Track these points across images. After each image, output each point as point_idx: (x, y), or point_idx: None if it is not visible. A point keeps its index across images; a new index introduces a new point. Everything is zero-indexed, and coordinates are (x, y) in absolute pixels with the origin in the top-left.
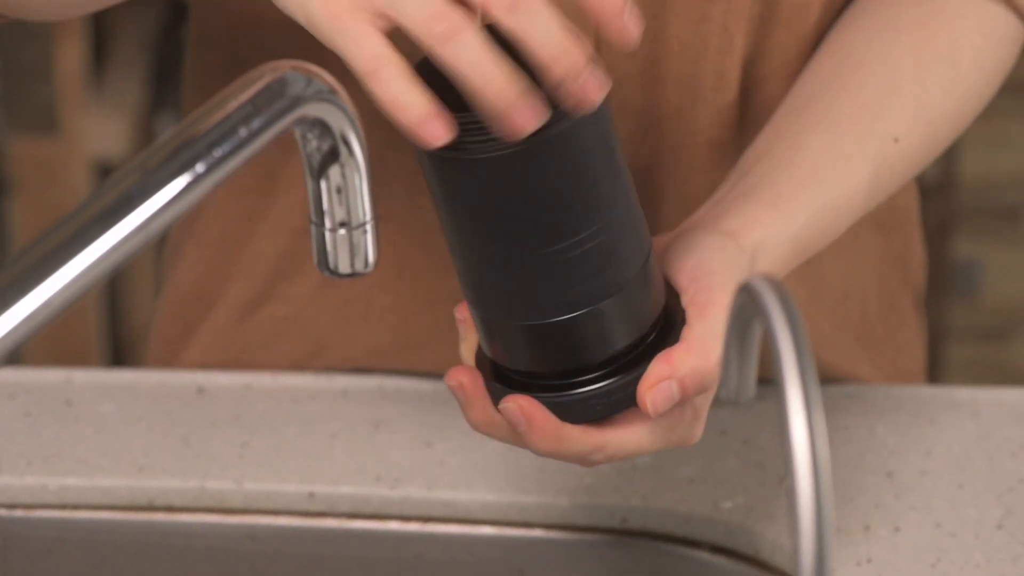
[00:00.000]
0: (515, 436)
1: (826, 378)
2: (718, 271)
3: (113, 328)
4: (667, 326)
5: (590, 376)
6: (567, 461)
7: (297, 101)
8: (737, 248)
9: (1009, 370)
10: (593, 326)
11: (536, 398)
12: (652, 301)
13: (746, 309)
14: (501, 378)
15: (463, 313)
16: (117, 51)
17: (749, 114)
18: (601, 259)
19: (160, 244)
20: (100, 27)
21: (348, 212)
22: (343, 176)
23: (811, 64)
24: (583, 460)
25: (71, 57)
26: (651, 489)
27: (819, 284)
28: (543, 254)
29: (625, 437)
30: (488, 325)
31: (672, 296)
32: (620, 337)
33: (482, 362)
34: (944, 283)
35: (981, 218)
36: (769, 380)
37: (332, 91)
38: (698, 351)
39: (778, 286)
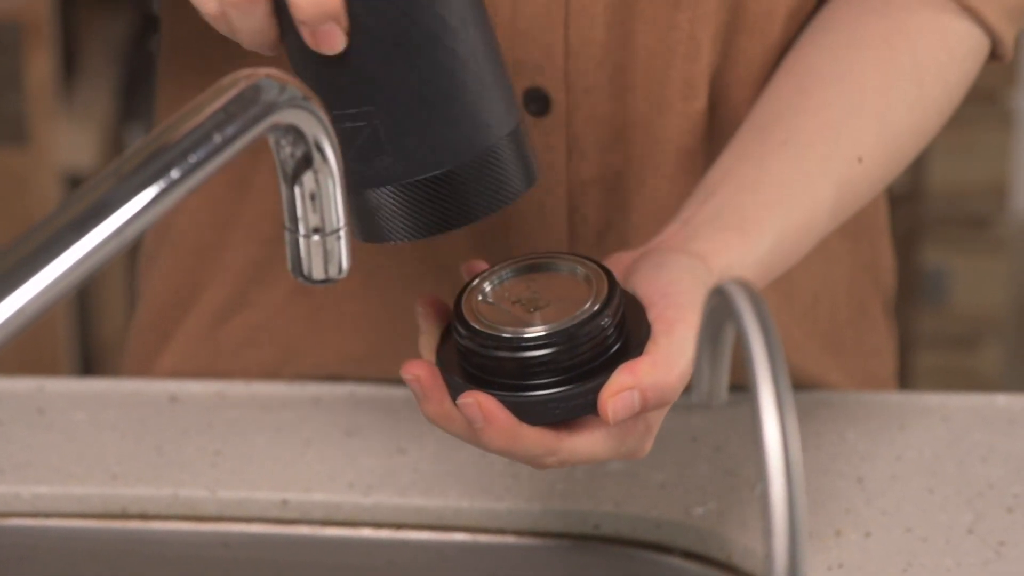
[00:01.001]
0: (470, 432)
1: (796, 383)
2: (687, 291)
3: (83, 338)
4: (632, 339)
5: (552, 379)
6: (517, 460)
7: (271, 108)
8: (707, 271)
9: (977, 378)
10: (455, 186)
11: (495, 396)
12: (517, 175)
13: (719, 312)
14: (463, 373)
15: (425, 306)
16: (87, 62)
17: (717, 121)
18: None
19: (133, 254)
20: (70, 38)
21: (322, 218)
22: (317, 182)
23: (774, 81)
24: (534, 462)
25: (41, 68)
26: (623, 495)
27: (790, 290)
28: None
29: (579, 443)
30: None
31: (638, 310)
32: (486, 202)
33: (444, 357)
34: (912, 291)
35: (949, 227)
36: (741, 387)
37: (306, 98)
38: (662, 365)
39: (750, 290)
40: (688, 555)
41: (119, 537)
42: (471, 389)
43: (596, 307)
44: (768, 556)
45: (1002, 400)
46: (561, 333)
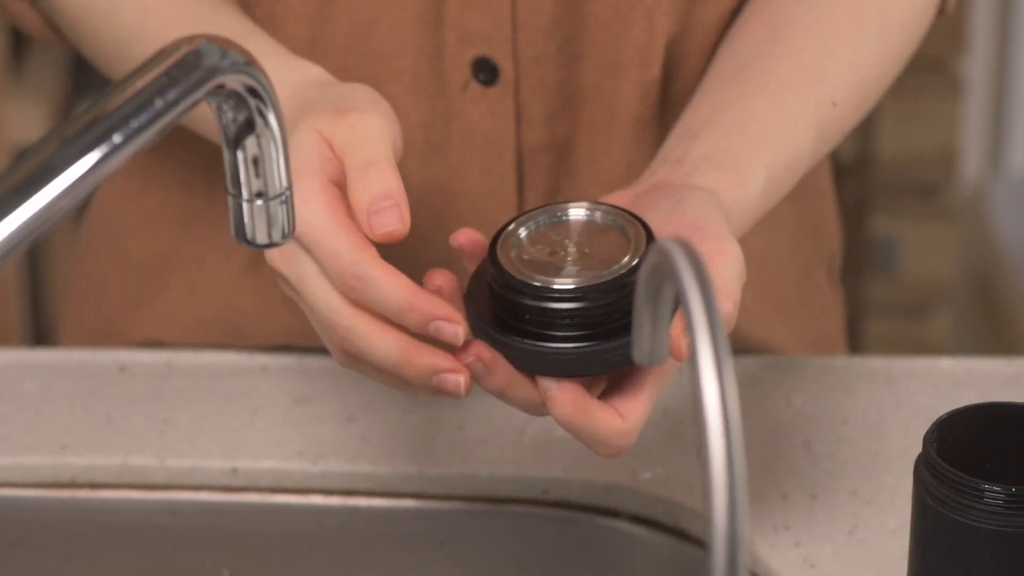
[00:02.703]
0: (532, 395)
1: (746, 347)
2: (719, 222)
3: (34, 313)
4: None
5: (579, 333)
6: (587, 443)
7: (212, 72)
8: (721, 204)
9: (926, 345)
10: None
11: (519, 344)
12: None
13: (658, 271)
14: (492, 317)
15: (433, 281)
16: None
17: (672, 91)
18: None
19: (77, 230)
20: None
21: (265, 183)
22: (259, 147)
23: (742, 28)
24: (601, 445)
25: None
26: (572, 460)
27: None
28: None
29: (639, 406)
30: None
31: None
32: None
33: (474, 299)
34: (862, 260)
35: (898, 195)
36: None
37: (247, 63)
38: (722, 293)
39: (689, 249)
40: (636, 519)
41: (69, 506)
42: (496, 334)
43: (635, 262)
44: (708, 515)
45: (946, 364)
46: (597, 287)
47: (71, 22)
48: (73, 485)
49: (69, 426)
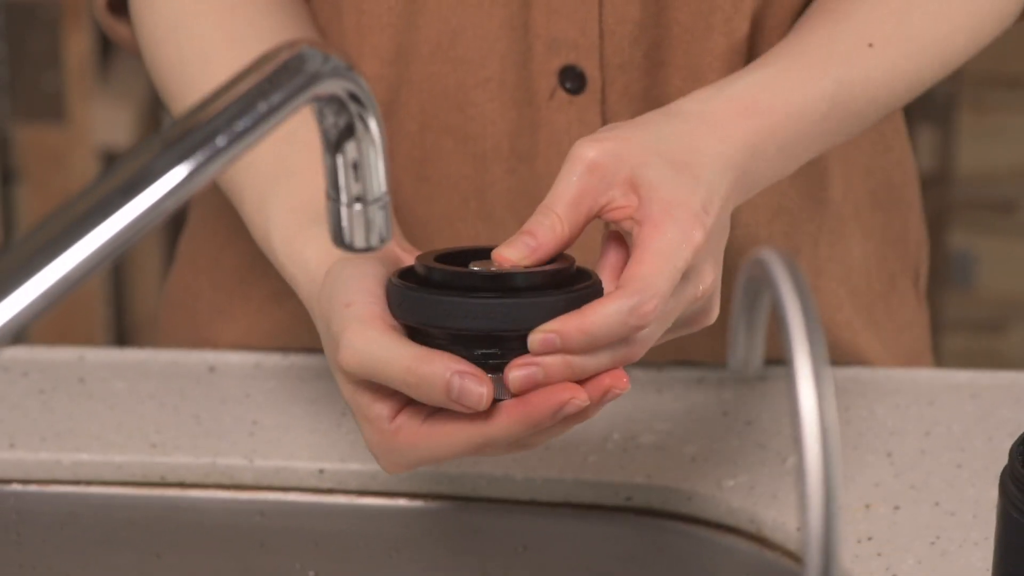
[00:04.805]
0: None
1: (845, 359)
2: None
3: (118, 316)
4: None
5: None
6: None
7: (314, 78)
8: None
9: (1003, 360)
10: None
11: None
12: None
13: (756, 281)
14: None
15: None
16: None
17: None
18: None
19: (172, 236)
20: None
21: (364, 187)
22: (359, 151)
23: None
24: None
25: (79, 46)
26: (655, 468)
27: (846, 267)
28: None
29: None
30: None
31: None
32: None
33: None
34: (939, 274)
35: (976, 210)
36: (771, 361)
37: (349, 68)
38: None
39: (788, 259)
40: (719, 527)
41: (157, 504)
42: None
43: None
44: (803, 526)
45: None
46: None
47: (147, 60)
48: (162, 484)
49: (158, 425)
